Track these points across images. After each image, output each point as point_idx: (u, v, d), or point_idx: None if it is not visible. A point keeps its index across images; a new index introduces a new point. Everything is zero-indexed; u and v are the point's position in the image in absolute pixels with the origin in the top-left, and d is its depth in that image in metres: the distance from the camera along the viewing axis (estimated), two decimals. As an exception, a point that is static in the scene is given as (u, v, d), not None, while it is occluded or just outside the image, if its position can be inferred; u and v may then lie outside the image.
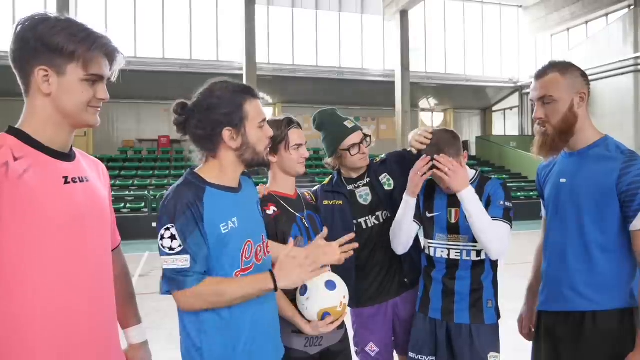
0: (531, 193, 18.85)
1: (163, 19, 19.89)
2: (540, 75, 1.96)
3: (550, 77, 1.93)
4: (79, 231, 1.38)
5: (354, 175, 2.58)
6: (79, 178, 1.42)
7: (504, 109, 26.07)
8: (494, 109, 26.16)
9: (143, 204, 14.33)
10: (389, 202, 2.50)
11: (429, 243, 2.35)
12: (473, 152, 23.82)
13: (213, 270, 1.64)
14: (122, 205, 14.31)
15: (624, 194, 1.79)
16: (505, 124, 26.56)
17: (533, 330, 2.22)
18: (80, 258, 1.39)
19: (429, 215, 2.35)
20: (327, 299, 1.90)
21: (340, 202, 2.53)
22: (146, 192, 14.92)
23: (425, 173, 2.20)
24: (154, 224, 12.96)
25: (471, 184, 2.27)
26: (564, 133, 1.92)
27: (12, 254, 1.27)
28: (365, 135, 2.53)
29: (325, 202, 2.54)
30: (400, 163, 2.57)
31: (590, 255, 1.88)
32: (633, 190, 1.77)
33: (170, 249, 1.57)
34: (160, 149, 20.42)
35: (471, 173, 2.33)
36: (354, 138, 2.47)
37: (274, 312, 1.84)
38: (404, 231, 2.32)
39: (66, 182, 1.38)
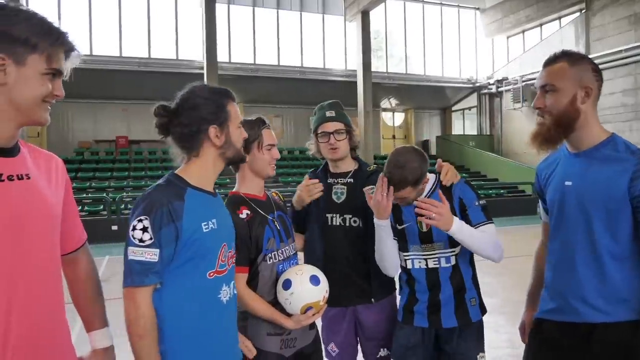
0: (490, 191, 19.33)
1: (120, 16, 19.35)
2: (549, 62, 1.85)
3: (558, 66, 1.81)
4: (16, 233, 1.30)
5: (337, 170, 2.58)
6: (17, 175, 1.33)
7: (463, 109, 26.63)
8: (453, 108, 26.68)
9: (102, 207, 13.95)
10: (364, 213, 2.45)
11: (404, 256, 2.30)
12: (433, 152, 24.20)
13: (188, 270, 1.64)
14: (80, 208, 13.87)
15: (637, 199, 1.66)
16: (464, 124, 27.13)
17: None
18: (17, 261, 1.30)
19: (399, 227, 2.29)
20: (311, 294, 1.93)
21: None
22: (104, 195, 14.52)
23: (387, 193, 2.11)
24: (113, 227, 12.66)
25: (433, 189, 2.25)
26: (562, 127, 1.79)
27: None
28: (338, 130, 2.49)
29: None
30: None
31: (601, 263, 1.75)
32: None
33: (141, 240, 1.56)
34: (118, 150, 19.90)
35: (431, 178, 2.29)
36: (326, 127, 2.49)
37: (234, 320, 1.84)
38: (390, 252, 2.28)
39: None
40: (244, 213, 2.07)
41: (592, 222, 1.76)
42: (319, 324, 2.42)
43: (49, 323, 1.39)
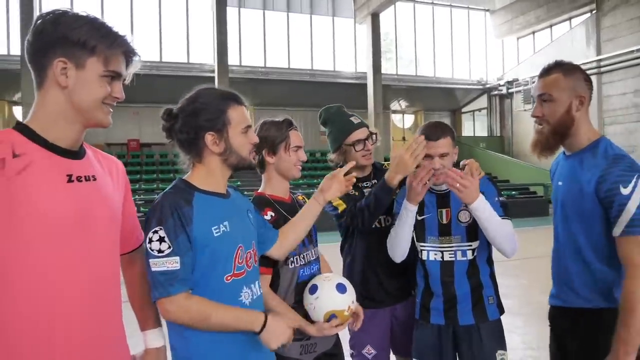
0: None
1: (131, 20, 19.57)
2: (544, 73, 1.96)
3: (553, 77, 1.93)
4: (82, 231, 1.34)
5: (359, 175, 2.51)
6: (85, 177, 1.38)
7: (473, 111, 26.51)
8: (463, 110, 26.57)
9: (113, 209, 14.02)
10: (392, 210, 2.42)
11: (421, 246, 2.31)
12: (444, 153, 24.07)
13: (204, 276, 1.62)
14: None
15: (603, 201, 1.79)
16: (475, 125, 27.01)
17: None
18: (81, 259, 1.34)
19: (419, 217, 2.30)
20: (336, 301, 1.90)
21: (356, 192, 2.48)
22: (116, 197, 14.60)
23: (427, 182, 2.14)
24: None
25: None
26: (559, 134, 1.93)
27: (4, 251, 1.23)
28: (371, 133, 2.50)
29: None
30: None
31: (582, 257, 1.91)
32: (610, 197, 1.76)
33: (160, 251, 1.55)
34: (130, 153, 20.05)
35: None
36: (359, 134, 2.47)
37: None
38: (405, 239, 2.27)
39: (69, 181, 1.34)
40: (269, 215, 2.04)
41: (570, 221, 1.94)
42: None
43: (107, 323, 1.43)
